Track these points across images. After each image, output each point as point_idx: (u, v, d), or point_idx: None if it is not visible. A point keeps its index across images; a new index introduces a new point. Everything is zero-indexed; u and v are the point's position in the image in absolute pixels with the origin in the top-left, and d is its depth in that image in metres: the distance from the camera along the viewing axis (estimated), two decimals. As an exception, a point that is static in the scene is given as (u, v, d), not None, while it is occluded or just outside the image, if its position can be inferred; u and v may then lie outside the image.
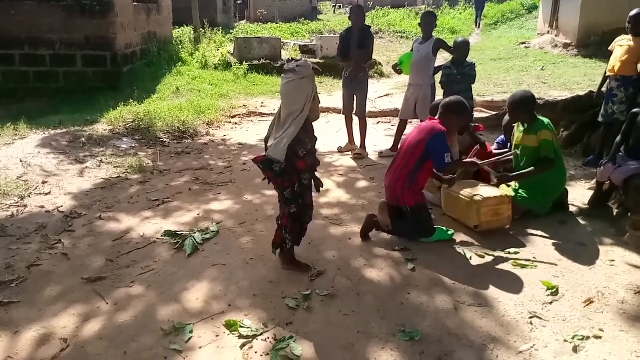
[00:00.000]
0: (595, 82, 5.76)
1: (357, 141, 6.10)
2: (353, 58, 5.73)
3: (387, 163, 4.56)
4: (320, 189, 3.38)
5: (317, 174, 3.32)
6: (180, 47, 12.73)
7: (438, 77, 5.72)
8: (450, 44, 5.68)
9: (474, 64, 5.58)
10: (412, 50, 5.81)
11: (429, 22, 5.66)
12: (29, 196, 4.51)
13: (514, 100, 4.03)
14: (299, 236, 3.28)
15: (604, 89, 5.22)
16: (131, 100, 7.74)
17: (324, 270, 3.31)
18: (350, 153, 6.01)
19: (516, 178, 4.08)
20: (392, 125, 7.25)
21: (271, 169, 3.04)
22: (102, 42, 9.20)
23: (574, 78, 9.15)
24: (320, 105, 3.29)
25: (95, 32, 9.14)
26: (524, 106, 3.98)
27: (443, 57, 8.13)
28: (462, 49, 5.49)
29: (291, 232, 3.20)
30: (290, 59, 3.29)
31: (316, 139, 3.18)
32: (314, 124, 3.19)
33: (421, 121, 5.46)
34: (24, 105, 8.49)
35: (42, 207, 4.34)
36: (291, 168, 3.01)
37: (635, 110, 4.06)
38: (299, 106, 2.97)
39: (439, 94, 5.62)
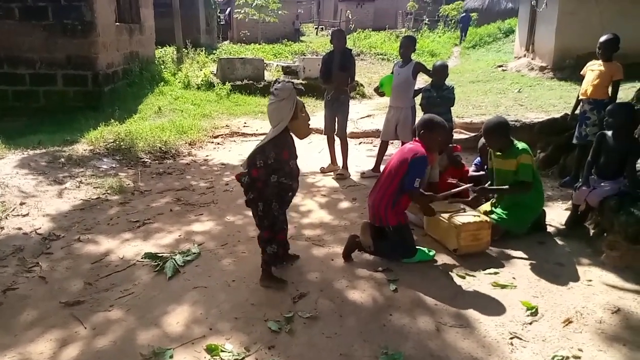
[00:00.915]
0: (570, 104, 5.92)
1: (340, 161, 6.14)
2: (334, 80, 5.82)
3: (369, 183, 4.61)
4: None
5: (295, 196, 3.42)
6: (162, 67, 12.74)
7: (418, 99, 5.82)
8: (430, 66, 5.81)
9: (453, 87, 5.71)
10: (392, 73, 5.91)
11: (407, 45, 5.78)
12: (6, 218, 4.42)
13: (489, 127, 4.10)
14: (274, 256, 3.39)
15: (577, 112, 5.38)
16: (112, 120, 7.70)
17: (307, 292, 3.30)
18: (332, 173, 6.04)
19: (494, 192, 4.15)
20: (374, 146, 7.32)
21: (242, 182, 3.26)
22: (83, 62, 9.16)
23: (550, 100, 9.41)
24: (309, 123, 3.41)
25: (77, 51, 9.10)
26: (499, 132, 4.06)
27: (423, 79, 8.30)
28: (440, 72, 5.61)
29: (263, 250, 3.35)
30: (276, 80, 3.42)
31: (295, 156, 3.35)
32: (299, 141, 3.30)
33: (402, 143, 5.55)
34: (2, 124, 8.35)
35: (20, 229, 4.25)
36: (249, 178, 3.22)
37: (602, 131, 4.19)
38: (277, 123, 3.23)
39: (420, 116, 5.71)
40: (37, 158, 6.00)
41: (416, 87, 5.85)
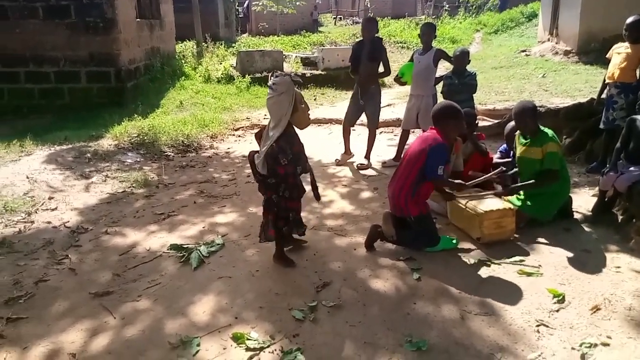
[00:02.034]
0: (596, 89, 5.78)
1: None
2: (362, 72, 5.75)
3: (390, 173, 4.58)
4: (320, 197, 3.65)
5: (319, 185, 3.48)
6: (183, 61, 12.85)
7: (439, 87, 5.75)
8: (451, 53, 5.73)
9: (475, 73, 5.61)
10: (411, 61, 5.85)
11: (428, 32, 5.70)
12: (36, 212, 4.55)
13: (517, 110, 4.04)
14: (277, 237, 3.50)
15: (604, 96, 5.25)
16: (135, 115, 7.81)
17: (330, 281, 3.32)
18: (353, 163, 6.00)
19: (519, 189, 4.09)
20: (395, 135, 7.28)
21: (263, 179, 3.34)
22: (106, 59, 9.31)
23: (575, 85, 9.18)
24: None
25: (99, 48, 9.25)
26: (527, 114, 3.98)
27: (444, 67, 8.19)
28: (461, 58, 5.53)
29: (265, 232, 3.51)
30: (272, 72, 3.46)
31: (302, 146, 3.39)
32: (311, 131, 3.34)
33: (423, 131, 5.50)
34: (29, 121, 8.57)
35: (49, 222, 4.37)
36: (274, 177, 3.28)
37: (633, 116, 4.08)
38: (280, 118, 3.24)
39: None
40: (64, 153, 6.13)
41: (437, 75, 5.78)
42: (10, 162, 5.79)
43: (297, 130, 3.38)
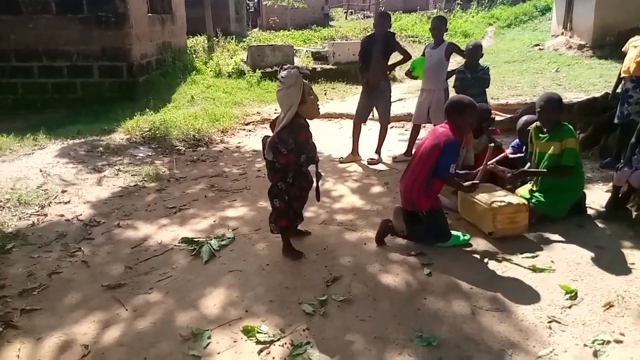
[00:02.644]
0: (611, 83, 5.70)
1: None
2: (373, 67, 5.71)
3: (401, 168, 4.56)
4: (320, 200, 3.73)
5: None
6: (194, 56, 12.90)
7: (451, 81, 5.71)
8: (463, 47, 5.68)
9: (488, 67, 5.56)
10: (423, 55, 5.80)
11: (439, 26, 5.65)
12: (49, 205, 4.60)
13: (545, 100, 3.94)
14: (286, 228, 3.55)
15: (619, 90, 5.17)
16: (147, 110, 7.86)
17: (340, 276, 3.31)
18: (360, 161, 5.98)
19: (531, 174, 4.04)
20: (406, 130, 7.24)
21: (272, 164, 3.40)
22: (118, 53, 9.37)
23: (590, 79, 9.08)
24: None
25: (111, 43, 9.31)
26: (554, 105, 3.91)
27: (456, 61, 8.12)
28: (474, 52, 5.48)
29: (275, 223, 3.55)
30: (281, 66, 3.51)
31: (310, 135, 3.43)
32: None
33: (435, 126, 5.46)
34: (42, 115, 8.67)
35: (62, 215, 4.42)
36: (280, 164, 3.34)
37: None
38: (288, 109, 3.31)
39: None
40: (77, 147, 6.19)
41: (449, 69, 5.73)
42: (24, 155, 5.86)
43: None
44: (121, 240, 3.97)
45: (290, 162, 3.33)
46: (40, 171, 5.29)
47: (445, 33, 5.72)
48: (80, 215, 4.44)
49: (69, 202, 4.72)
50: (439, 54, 5.57)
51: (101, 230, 4.14)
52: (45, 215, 4.41)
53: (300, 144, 3.31)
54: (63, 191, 4.93)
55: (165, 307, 3.02)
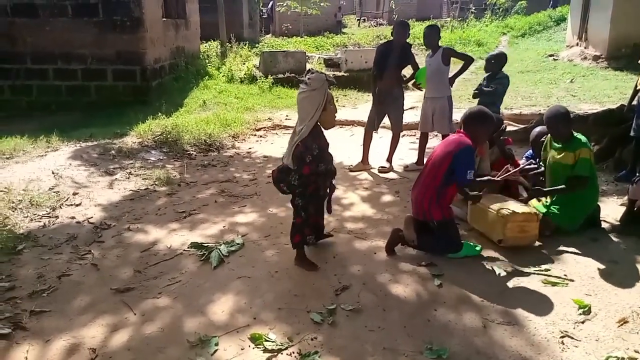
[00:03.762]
0: (626, 95, 5.64)
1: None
2: (387, 76, 5.67)
3: (412, 177, 4.54)
4: (331, 212, 3.73)
5: (337, 189, 3.54)
6: (207, 61, 12.97)
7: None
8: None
9: (506, 76, 5.52)
10: None
11: (431, 34, 5.61)
12: (60, 207, 4.63)
13: (550, 116, 3.94)
14: (298, 244, 3.51)
15: (634, 103, 5.10)
16: (159, 114, 7.90)
17: (349, 285, 3.29)
18: (370, 169, 5.94)
19: (548, 193, 3.99)
20: (417, 139, 7.18)
21: (287, 181, 3.34)
22: (132, 57, 9.44)
23: (605, 91, 8.98)
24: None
25: (126, 47, 9.38)
26: (561, 121, 3.89)
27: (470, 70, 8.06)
28: (489, 61, 5.50)
29: (291, 238, 3.50)
30: (308, 70, 3.48)
31: (327, 144, 3.41)
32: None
33: (443, 136, 5.44)
34: (56, 118, 8.74)
35: (73, 218, 4.44)
36: (299, 175, 3.27)
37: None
38: (309, 114, 3.25)
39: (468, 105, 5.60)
40: (89, 150, 6.23)
41: (451, 74, 5.69)
42: (37, 157, 5.91)
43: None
44: (131, 243, 3.98)
45: (312, 172, 3.27)
46: (53, 173, 5.33)
47: (439, 40, 5.66)
48: (91, 217, 4.46)
49: (80, 204, 4.75)
50: (436, 61, 5.54)
51: (111, 234, 4.15)
52: (57, 217, 4.43)
53: (322, 152, 3.29)
54: (74, 193, 4.96)
55: (174, 312, 3.01)
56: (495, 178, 3.75)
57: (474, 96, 5.63)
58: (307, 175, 3.27)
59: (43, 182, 5.09)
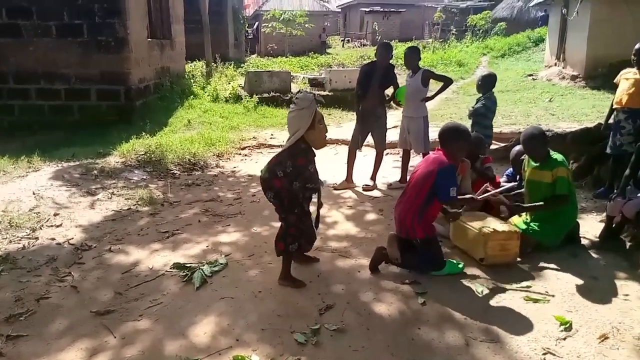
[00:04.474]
0: (604, 114, 5.77)
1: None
2: (371, 96, 5.75)
3: (396, 195, 4.57)
4: (318, 227, 3.67)
5: (322, 209, 3.62)
6: (192, 81, 13.00)
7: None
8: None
9: (489, 97, 5.63)
10: None
11: (411, 56, 5.73)
12: (41, 228, 4.55)
13: (526, 137, 4.03)
14: (281, 252, 3.50)
15: (611, 121, 5.23)
16: (143, 133, 7.87)
17: (333, 304, 3.27)
18: (354, 187, 5.97)
19: (528, 210, 4.05)
20: (401, 157, 7.26)
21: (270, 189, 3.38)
22: (116, 77, 9.42)
23: (582, 110, 9.19)
24: (329, 137, 3.49)
25: (110, 67, 9.37)
26: (537, 141, 3.97)
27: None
28: (478, 83, 5.69)
29: (275, 246, 3.52)
30: (299, 90, 3.54)
31: (310, 162, 3.39)
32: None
33: (423, 155, 5.52)
34: (38, 138, 8.64)
35: (53, 239, 4.37)
36: (274, 189, 3.34)
37: (643, 142, 4.06)
38: (295, 131, 3.34)
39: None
40: (71, 170, 6.17)
41: (431, 94, 5.81)
42: (18, 177, 5.83)
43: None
44: (112, 265, 3.93)
45: (284, 187, 3.30)
46: (34, 194, 5.26)
47: (419, 61, 5.78)
48: (72, 239, 4.39)
49: (60, 225, 4.68)
50: (415, 82, 5.64)
51: (92, 255, 4.09)
52: (37, 238, 4.36)
53: (298, 169, 3.29)
54: (55, 214, 4.89)
55: (155, 335, 2.96)
56: (476, 197, 3.81)
57: (469, 116, 5.79)
58: (279, 188, 3.32)
59: (23, 203, 5.02)
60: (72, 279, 3.66)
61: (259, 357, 2.73)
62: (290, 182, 3.29)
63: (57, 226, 4.65)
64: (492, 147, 7.08)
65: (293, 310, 3.22)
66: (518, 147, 4.62)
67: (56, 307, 3.29)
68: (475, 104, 5.72)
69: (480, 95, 5.74)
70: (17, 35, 9.21)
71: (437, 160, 3.63)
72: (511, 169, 4.87)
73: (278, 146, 8.21)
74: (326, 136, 3.52)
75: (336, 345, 2.86)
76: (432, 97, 5.78)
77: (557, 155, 3.97)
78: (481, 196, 3.91)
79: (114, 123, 9.08)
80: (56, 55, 9.31)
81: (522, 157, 4.33)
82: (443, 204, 3.70)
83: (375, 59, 5.90)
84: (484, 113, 5.55)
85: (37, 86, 9.45)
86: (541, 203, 3.94)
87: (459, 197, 3.66)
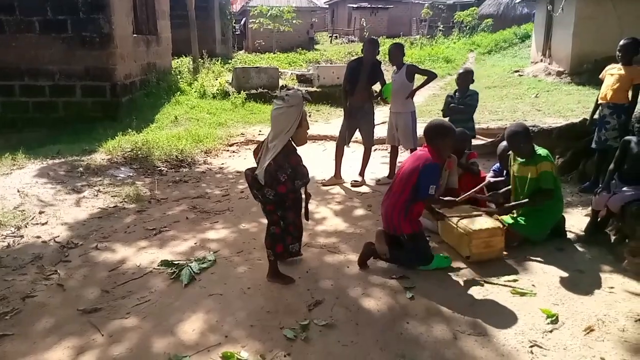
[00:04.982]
0: (589, 109, 5.83)
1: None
2: (358, 92, 5.74)
3: (384, 190, 4.57)
4: (309, 219, 3.70)
5: (310, 203, 3.61)
6: (179, 77, 12.89)
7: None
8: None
9: (476, 93, 5.65)
10: None
11: (395, 52, 5.74)
12: (26, 226, 4.49)
13: (510, 133, 4.06)
14: (282, 254, 3.52)
15: (596, 116, 5.29)
16: (130, 130, 7.80)
17: (322, 300, 3.28)
18: (343, 183, 5.98)
19: (514, 208, 4.08)
20: (389, 153, 7.28)
21: (262, 193, 3.32)
22: (101, 73, 9.32)
23: (568, 105, 9.28)
24: (318, 133, 3.46)
25: (95, 63, 9.27)
26: (521, 138, 4.00)
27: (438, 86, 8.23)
28: (463, 78, 5.63)
29: (272, 249, 3.47)
30: (283, 86, 3.51)
31: (300, 159, 3.39)
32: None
33: (411, 151, 5.53)
34: (23, 135, 8.53)
35: (39, 237, 4.31)
36: (274, 193, 3.28)
37: (627, 137, 4.11)
38: (284, 130, 3.25)
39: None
40: (56, 167, 6.09)
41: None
42: (2, 175, 5.74)
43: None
44: (98, 262, 3.89)
45: (289, 190, 3.29)
46: (18, 191, 5.19)
47: (403, 57, 5.79)
48: (58, 236, 4.34)
49: (46, 223, 4.62)
50: (400, 78, 5.66)
51: (78, 253, 4.05)
52: (22, 236, 4.30)
53: (294, 168, 3.28)
54: (40, 212, 4.83)
55: (142, 333, 2.94)
56: (457, 199, 3.81)
57: (445, 114, 5.71)
58: (284, 193, 3.30)
59: (8, 201, 4.94)
60: (58, 277, 3.62)
61: (248, 354, 2.72)
62: (292, 182, 3.28)
63: (43, 224, 4.59)
64: (479, 142, 7.14)
65: (282, 306, 3.22)
66: (505, 143, 4.66)
67: (42, 306, 3.25)
68: (454, 100, 5.64)
69: (458, 90, 5.69)
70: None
71: (422, 157, 3.63)
72: (498, 164, 4.90)
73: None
74: (307, 133, 3.52)
75: (325, 340, 2.86)
76: (415, 90, 5.77)
77: (541, 151, 4.01)
78: (462, 198, 3.94)
79: (99, 120, 8.99)
80: (40, 51, 9.18)
81: (509, 153, 4.36)
82: (421, 201, 3.67)
83: (362, 55, 5.90)
84: (463, 110, 5.53)
85: (20, 83, 9.33)
86: (525, 200, 3.97)
87: (439, 197, 3.69)
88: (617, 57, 4.99)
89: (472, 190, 4.10)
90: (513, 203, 4.08)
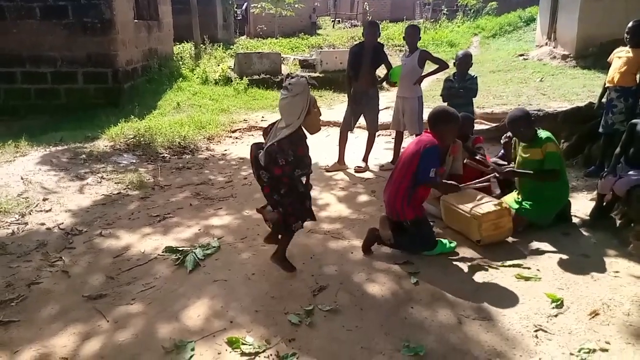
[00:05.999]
0: (595, 93, 5.78)
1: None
2: (362, 76, 5.68)
3: (387, 176, 4.55)
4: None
5: (312, 190, 3.52)
6: (180, 63, 12.81)
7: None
8: (448, 56, 5.72)
9: (476, 77, 5.59)
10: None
11: (412, 34, 5.65)
12: (30, 213, 4.50)
13: (511, 119, 4.03)
14: (283, 236, 3.43)
15: (603, 100, 5.23)
16: (132, 116, 7.77)
17: (326, 285, 3.28)
18: (346, 169, 5.95)
19: (520, 175, 4.06)
20: (393, 138, 7.23)
21: (257, 176, 3.29)
22: (103, 59, 9.26)
23: (573, 89, 9.18)
24: (320, 119, 3.38)
25: (97, 49, 9.20)
26: (521, 123, 3.97)
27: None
28: (463, 61, 5.52)
29: (283, 227, 3.39)
30: (288, 74, 3.40)
31: (308, 149, 3.28)
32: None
33: (416, 136, 5.48)
34: (25, 122, 8.52)
35: (43, 224, 4.32)
36: (270, 175, 3.22)
37: (634, 120, 4.07)
38: (292, 120, 3.17)
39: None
40: (59, 154, 6.09)
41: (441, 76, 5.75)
42: (5, 163, 5.74)
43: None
44: (103, 249, 3.90)
45: (285, 174, 3.20)
46: (22, 179, 5.19)
47: (419, 41, 5.72)
48: (62, 223, 4.35)
49: (50, 210, 4.63)
50: (412, 62, 5.59)
51: (82, 239, 4.05)
52: (26, 224, 4.31)
53: (299, 158, 3.19)
54: (44, 199, 4.83)
55: (148, 318, 2.95)
56: (460, 185, 3.78)
57: (444, 98, 5.65)
58: (278, 176, 3.21)
59: (11, 188, 4.95)
60: (62, 264, 3.64)
61: (253, 339, 2.73)
62: (292, 170, 3.19)
63: (47, 211, 4.60)
64: (483, 127, 7.09)
65: (286, 291, 3.22)
66: (508, 133, 4.63)
67: (47, 292, 3.26)
68: (454, 84, 5.57)
69: (457, 73, 5.62)
70: (0, 18, 8.99)
71: (424, 141, 3.60)
72: (502, 151, 4.86)
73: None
74: (320, 120, 3.42)
75: (330, 325, 2.87)
76: (424, 77, 5.70)
77: (544, 133, 3.98)
78: (465, 185, 3.92)
79: (101, 106, 8.96)
80: (41, 37, 9.11)
81: (513, 139, 4.32)
82: (421, 185, 3.63)
83: (363, 40, 5.83)
84: (462, 94, 5.47)
85: (22, 69, 9.27)
86: (530, 172, 3.96)
87: (441, 181, 3.67)
88: (625, 39, 4.92)
89: (477, 180, 4.06)
90: (519, 170, 4.06)
